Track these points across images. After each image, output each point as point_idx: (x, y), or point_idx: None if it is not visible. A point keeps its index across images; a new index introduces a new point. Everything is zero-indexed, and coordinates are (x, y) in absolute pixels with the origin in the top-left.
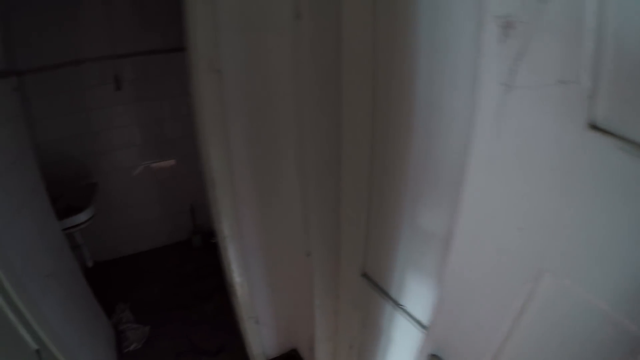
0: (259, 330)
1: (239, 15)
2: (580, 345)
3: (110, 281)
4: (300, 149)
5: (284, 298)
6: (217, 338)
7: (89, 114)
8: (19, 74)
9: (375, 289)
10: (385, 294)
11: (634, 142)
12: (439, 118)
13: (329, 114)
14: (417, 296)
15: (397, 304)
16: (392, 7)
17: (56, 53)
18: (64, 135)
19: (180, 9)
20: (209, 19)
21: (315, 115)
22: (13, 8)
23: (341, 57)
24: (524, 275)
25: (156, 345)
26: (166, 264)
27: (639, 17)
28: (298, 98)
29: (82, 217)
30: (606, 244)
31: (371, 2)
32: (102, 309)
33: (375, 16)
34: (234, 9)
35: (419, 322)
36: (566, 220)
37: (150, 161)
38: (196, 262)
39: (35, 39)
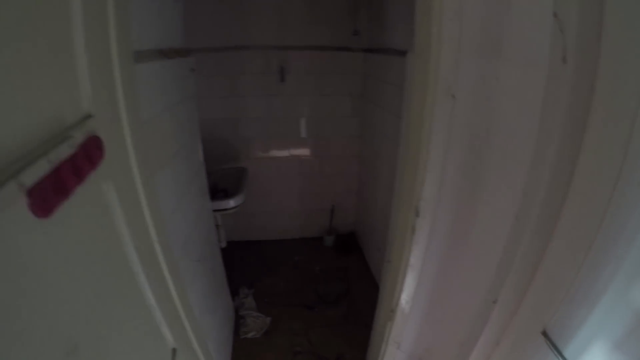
0: (397, 356)
1: (486, 39)
2: None
3: (236, 263)
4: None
5: (442, 334)
6: (337, 346)
7: (246, 100)
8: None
9: (552, 350)
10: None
11: None
12: None
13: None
14: None
15: None
16: None
17: (223, 37)
18: (220, 117)
19: (354, 8)
20: (454, 40)
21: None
22: None
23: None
24: None
25: (274, 339)
26: (294, 258)
27: None
28: (540, 138)
29: (231, 202)
30: None
31: None
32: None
33: None
34: (478, 32)
35: None
36: None
37: (299, 155)
38: (326, 262)
39: (204, 20)
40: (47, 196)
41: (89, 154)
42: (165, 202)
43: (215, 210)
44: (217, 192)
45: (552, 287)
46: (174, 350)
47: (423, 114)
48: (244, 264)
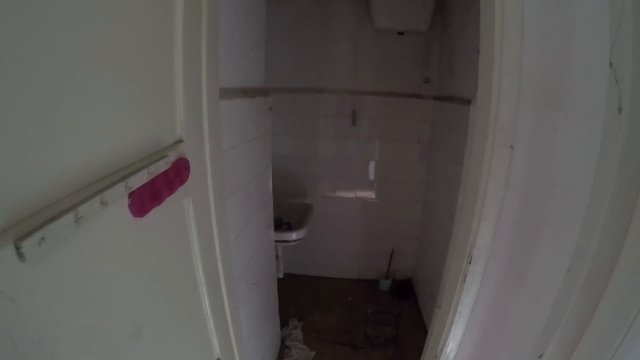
0: None
1: (545, 91)
2: None
3: (290, 295)
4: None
5: None
6: None
7: (317, 140)
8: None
9: None
10: None
11: None
12: None
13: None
14: None
15: None
16: None
17: (301, 79)
18: (292, 154)
19: (426, 56)
20: (514, 93)
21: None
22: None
23: None
24: None
25: None
26: (348, 298)
27: None
28: (594, 191)
29: (294, 235)
30: None
31: None
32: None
33: None
34: (538, 85)
35: None
36: None
37: (364, 197)
38: (379, 305)
39: (285, 63)
40: (144, 200)
41: (179, 171)
42: (233, 225)
43: (277, 241)
44: (282, 224)
45: (599, 347)
46: None
47: (482, 163)
48: (298, 296)
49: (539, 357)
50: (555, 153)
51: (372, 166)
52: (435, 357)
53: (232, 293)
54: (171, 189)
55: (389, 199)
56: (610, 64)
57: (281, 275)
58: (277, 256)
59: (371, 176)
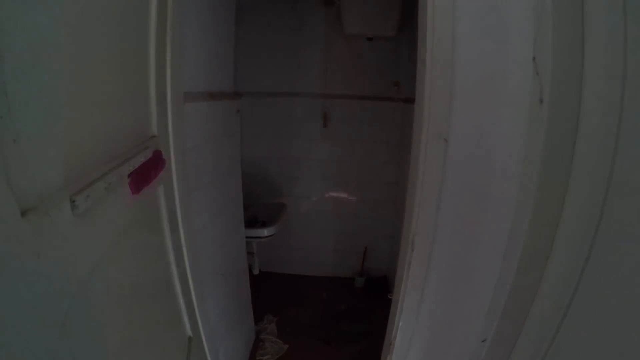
0: None
1: (477, 89)
2: None
3: (267, 291)
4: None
5: None
6: None
7: (291, 142)
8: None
9: None
10: None
11: None
12: None
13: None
14: None
15: None
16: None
17: (274, 83)
18: (267, 155)
19: (395, 61)
20: (445, 88)
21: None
22: (242, 38)
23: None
24: None
25: None
26: (323, 295)
27: None
28: (523, 182)
29: (265, 232)
30: None
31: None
32: (253, 313)
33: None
34: (472, 83)
35: None
36: None
37: (336, 196)
38: (353, 302)
39: (256, 68)
40: (139, 180)
41: (156, 161)
42: (199, 216)
43: (251, 237)
44: (256, 222)
45: (541, 332)
46: (189, 339)
47: (418, 155)
48: (274, 293)
49: (483, 341)
50: (491, 144)
51: (344, 167)
52: (390, 344)
53: (198, 277)
54: (156, 172)
55: (362, 199)
56: (534, 58)
57: (257, 272)
58: (252, 253)
59: (344, 176)
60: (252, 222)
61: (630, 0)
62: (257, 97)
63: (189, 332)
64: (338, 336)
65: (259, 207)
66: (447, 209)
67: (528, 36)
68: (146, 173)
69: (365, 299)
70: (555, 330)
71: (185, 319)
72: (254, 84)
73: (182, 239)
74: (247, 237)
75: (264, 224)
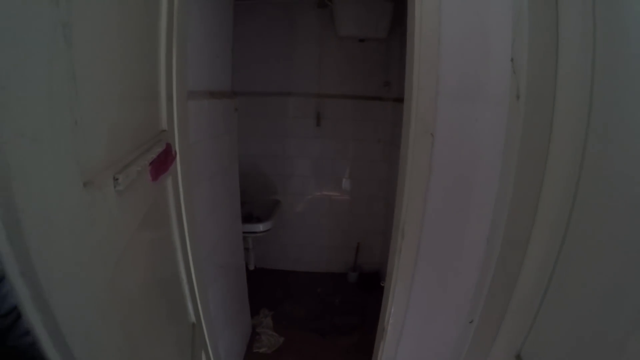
0: None
1: (461, 87)
2: None
3: (263, 286)
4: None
5: (431, 354)
6: None
7: (286, 140)
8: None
9: None
10: None
11: None
12: None
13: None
14: None
15: None
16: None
17: (268, 83)
18: (262, 153)
19: (385, 61)
20: (432, 88)
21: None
22: (237, 39)
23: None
24: None
25: (283, 358)
26: (317, 290)
27: None
28: (503, 172)
29: (260, 227)
30: None
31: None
32: (249, 307)
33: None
34: (457, 81)
35: None
36: None
37: (330, 193)
38: (346, 296)
39: (253, 69)
40: (157, 168)
41: (168, 152)
42: (201, 208)
43: (247, 233)
44: (252, 218)
45: (524, 312)
46: (193, 325)
47: (407, 148)
48: (270, 288)
49: (470, 322)
50: (475, 138)
51: (336, 165)
52: (383, 331)
53: (200, 266)
54: (171, 162)
55: (354, 196)
56: (512, 59)
57: (252, 267)
58: (248, 249)
59: (336, 174)
60: (247, 218)
61: (599, 7)
62: (252, 96)
63: (193, 319)
64: (332, 329)
65: (254, 204)
66: (435, 198)
67: (507, 37)
68: (163, 162)
69: (359, 293)
70: (537, 308)
71: (190, 305)
72: (249, 84)
73: (186, 228)
74: (243, 233)
75: (259, 220)
